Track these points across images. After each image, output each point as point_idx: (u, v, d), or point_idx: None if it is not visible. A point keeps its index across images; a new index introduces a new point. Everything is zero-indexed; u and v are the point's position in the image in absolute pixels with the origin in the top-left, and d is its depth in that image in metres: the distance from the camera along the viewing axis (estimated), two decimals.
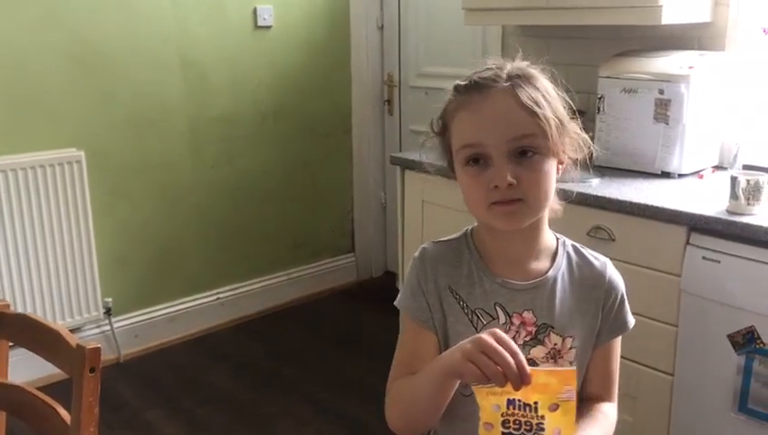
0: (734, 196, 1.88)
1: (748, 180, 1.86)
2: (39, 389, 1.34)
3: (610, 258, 2.10)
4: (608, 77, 2.39)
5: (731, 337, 1.88)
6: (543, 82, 1.07)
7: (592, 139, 2.47)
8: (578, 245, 1.16)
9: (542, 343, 1.08)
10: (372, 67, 3.80)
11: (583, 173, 2.27)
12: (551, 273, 1.10)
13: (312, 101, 3.64)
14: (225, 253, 3.45)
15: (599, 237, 2.13)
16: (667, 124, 2.26)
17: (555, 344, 1.08)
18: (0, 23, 2.65)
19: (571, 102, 1.08)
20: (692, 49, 2.40)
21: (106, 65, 2.93)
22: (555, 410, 0.90)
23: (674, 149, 2.27)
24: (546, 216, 1.10)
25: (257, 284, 3.59)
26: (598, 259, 1.15)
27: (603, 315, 1.12)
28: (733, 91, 2.38)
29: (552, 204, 1.09)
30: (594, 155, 1.16)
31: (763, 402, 1.85)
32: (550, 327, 1.08)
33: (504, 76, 1.03)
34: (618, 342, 1.16)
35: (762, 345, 1.83)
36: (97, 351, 1.16)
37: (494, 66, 1.05)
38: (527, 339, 1.07)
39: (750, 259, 1.82)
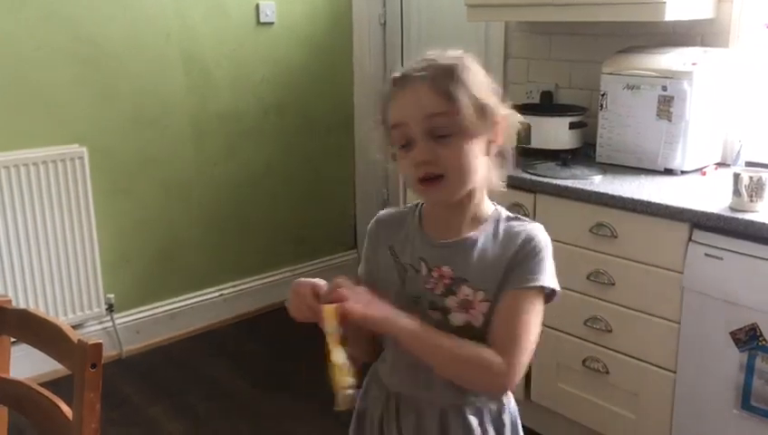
0: (736, 193, 1.88)
1: (751, 177, 1.85)
2: (41, 385, 1.34)
3: (613, 255, 2.12)
4: (610, 73, 2.38)
5: (733, 334, 1.88)
6: (467, 72, 1.14)
7: (595, 135, 2.47)
8: (516, 216, 1.22)
9: (453, 293, 1.17)
10: (374, 63, 3.79)
11: (585, 170, 2.28)
12: (472, 234, 1.18)
13: (315, 98, 3.63)
14: (227, 249, 3.45)
15: (601, 234, 2.13)
16: (670, 121, 2.25)
17: (467, 295, 1.16)
18: (2, 20, 2.64)
19: (500, 91, 1.17)
20: (695, 45, 2.40)
21: (108, 62, 2.93)
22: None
23: (676, 145, 2.26)
24: (483, 189, 1.19)
25: (259, 280, 3.59)
26: (524, 225, 1.19)
27: (510, 266, 1.15)
28: (736, 88, 2.38)
29: (491, 181, 1.19)
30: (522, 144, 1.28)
31: (766, 399, 1.84)
32: (464, 280, 1.16)
33: (424, 67, 1.14)
34: (525, 300, 1.14)
35: (764, 343, 1.82)
36: (98, 346, 1.16)
37: (422, 59, 1.17)
38: (443, 290, 1.18)
39: (753, 256, 1.82)
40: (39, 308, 2.75)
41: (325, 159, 3.75)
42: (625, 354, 2.16)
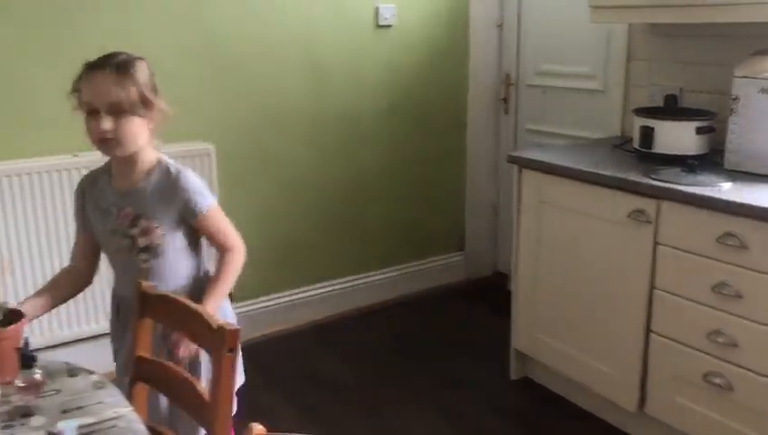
0: None
1: None
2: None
3: (741, 267, 2.02)
4: (744, 77, 2.28)
5: None
6: (137, 71, 1.66)
7: (722, 141, 2.35)
8: (172, 163, 1.77)
9: (135, 225, 1.72)
10: (490, 65, 3.78)
11: (713, 177, 2.19)
12: (142, 183, 1.73)
13: (429, 100, 3.66)
14: (339, 246, 3.54)
15: (729, 244, 2.03)
16: None
17: (144, 226, 1.71)
18: (144, 23, 2.83)
19: (156, 84, 1.73)
20: None
21: (235, 63, 3.07)
22: None
23: None
24: (145, 150, 1.72)
25: (369, 277, 3.67)
26: (172, 171, 1.75)
27: (181, 208, 1.73)
28: None
29: (151, 145, 1.74)
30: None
31: None
32: (142, 216, 1.71)
33: (109, 61, 1.64)
34: (208, 217, 1.76)
35: None
36: (236, 333, 1.23)
37: (108, 54, 1.67)
38: (128, 224, 1.72)
39: None
40: None
41: (438, 161, 3.77)
42: (751, 371, 2.06)
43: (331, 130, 3.39)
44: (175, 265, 1.76)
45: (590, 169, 2.42)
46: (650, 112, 2.56)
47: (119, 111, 1.61)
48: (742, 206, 1.99)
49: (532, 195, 2.67)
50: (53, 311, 1.77)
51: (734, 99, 2.31)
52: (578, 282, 2.55)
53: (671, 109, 2.68)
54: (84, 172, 2.79)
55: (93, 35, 2.72)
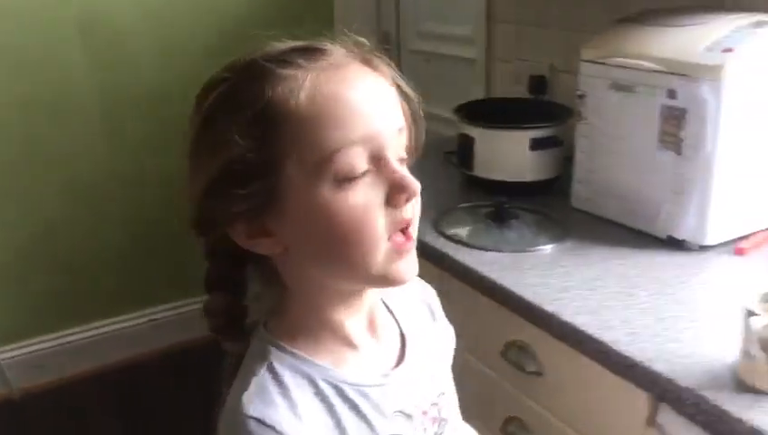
0: (746, 353, 0.88)
1: None
2: None
3: (540, 404, 1.20)
4: (591, 62, 1.38)
5: None
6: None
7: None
8: None
9: (444, 419, 0.77)
10: (363, 20, 2.89)
11: (536, 229, 1.34)
12: (399, 328, 0.77)
13: None
14: (159, 264, 2.77)
15: (517, 364, 1.19)
16: (679, 154, 1.24)
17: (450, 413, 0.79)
18: None
19: None
20: (744, 11, 1.31)
21: None
22: None
23: (690, 198, 1.24)
24: None
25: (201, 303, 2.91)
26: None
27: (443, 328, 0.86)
28: None
29: None
30: None
31: None
32: (441, 394, 0.78)
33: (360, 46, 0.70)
34: None
35: None
36: None
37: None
38: (435, 424, 0.76)
39: None
40: None
41: None
42: None
43: (131, 114, 2.56)
44: None
45: None
46: (470, 112, 1.65)
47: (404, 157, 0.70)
48: (528, 307, 1.13)
49: None
50: None
51: (581, 96, 1.42)
52: None
53: (508, 107, 1.75)
54: None
55: None
